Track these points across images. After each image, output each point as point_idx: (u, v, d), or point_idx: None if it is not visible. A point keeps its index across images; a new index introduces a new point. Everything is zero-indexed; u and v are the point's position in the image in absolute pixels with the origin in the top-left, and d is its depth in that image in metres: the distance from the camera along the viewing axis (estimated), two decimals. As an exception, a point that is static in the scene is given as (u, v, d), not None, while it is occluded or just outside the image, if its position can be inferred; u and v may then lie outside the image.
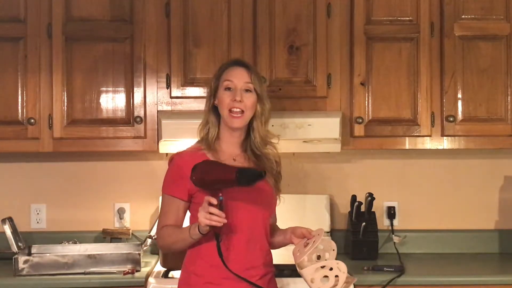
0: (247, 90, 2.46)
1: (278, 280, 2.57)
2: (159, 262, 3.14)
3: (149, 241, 3.36)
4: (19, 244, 3.33)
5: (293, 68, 3.26)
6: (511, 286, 2.99)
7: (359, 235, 3.35)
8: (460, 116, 3.28)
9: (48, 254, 3.10)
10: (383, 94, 3.28)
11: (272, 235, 2.53)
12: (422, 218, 3.61)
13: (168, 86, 3.25)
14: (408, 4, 3.28)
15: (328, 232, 3.47)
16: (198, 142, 2.52)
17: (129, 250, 3.18)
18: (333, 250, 2.37)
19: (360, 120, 3.26)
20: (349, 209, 3.49)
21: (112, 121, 3.26)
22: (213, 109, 2.50)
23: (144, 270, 3.08)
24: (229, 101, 2.44)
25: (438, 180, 3.63)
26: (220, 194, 2.24)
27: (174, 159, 2.46)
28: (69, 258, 3.05)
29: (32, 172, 3.58)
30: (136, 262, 3.07)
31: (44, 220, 3.57)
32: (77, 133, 3.24)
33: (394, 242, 3.50)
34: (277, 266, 2.56)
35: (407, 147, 3.31)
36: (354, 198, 3.46)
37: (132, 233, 3.51)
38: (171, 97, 3.26)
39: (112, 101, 3.25)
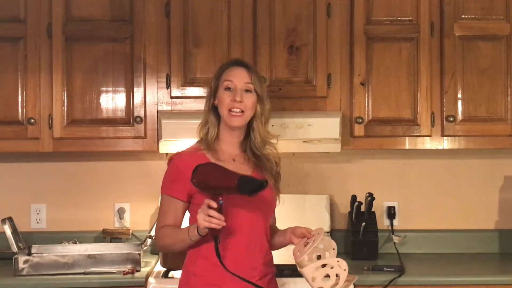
0: (247, 90, 2.46)
1: (278, 280, 2.57)
2: (159, 262, 3.14)
3: (149, 241, 3.36)
4: (19, 244, 3.33)
5: (293, 68, 3.26)
6: (511, 286, 2.99)
7: (359, 235, 3.35)
8: (460, 116, 3.28)
9: (48, 254, 3.10)
10: (383, 94, 3.28)
11: (272, 236, 2.53)
12: (422, 218, 3.61)
13: (168, 86, 3.25)
14: (408, 4, 3.28)
15: (328, 232, 3.47)
16: (198, 142, 2.52)
17: (129, 250, 3.18)
18: (333, 249, 2.37)
19: (360, 120, 3.26)
20: (349, 209, 3.49)
21: (112, 121, 3.26)
22: (213, 109, 2.50)
23: (144, 270, 3.08)
24: (229, 101, 2.44)
25: (438, 180, 3.63)
26: (220, 198, 2.24)
27: (173, 160, 2.46)
28: (69, 258, 3.05)
29: (32, 172, 3.58)
30: (136, 262, 3.07)
31: (44, 220, 3.57)
32: (77, 133, 3.24)
33: (394, 242, 3.50)
34: (277, 266, 2.56)
35: (407, 147, 3.31)
36: (354, 198, 3.46)
37: (132, 233, 3.51)
38: (171, 97, 3.26)
39: (112, 101, 3.25)
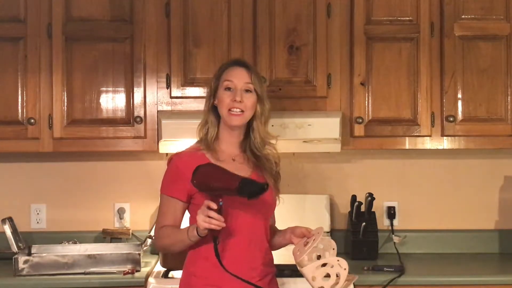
0: (247, 90, 2.46)
1: (278, 280, 2.57)
2: (159, 262, 3.14)
3: (149, 241, 3.36)
4: (19, 244, 3.33)
5: (293, 68, 3.26)
6: (511, 286, 2.99)
7: (359, 235, 3.36)
8: (460, 116, 3.28)
9: (48, 254, 3.10)
10: (383, 94, 3.28)
11: (271, 236, 2.53)
12: (422, 218, 3.61)
13: (168, 86, 3.25)
14: (408, 4, 3.28)
15: (328, 232, 3.47)
16: (198, 142, 2.52)
17: (129, 250, 3.18)
18: (333, 249, 2.36)
19: (360, 120, 3.26)
20: (349, 209, 3.49)
21: (112, 121, 3.26)
22: (213, 109, 2.50)
23: (144, 270, 3.08)
24: (229, 101, 2.44)
25: (438, 180, 3.63)
26: (220, 200, 2.24)
27: (173, 160, 2.46)
28: (69, 258, 3.05)
29: (32, 172, 3.58)
30: (136, 262, 3.07)
31: (44, 220, 3.57)
32: (77, 133, 3.24)
33: (394, 242, 3.50)
34: (277, 266, 2.55)
35: (407, 147, 3.31)
36: (354, 198, 3.46)
37: (132, 233, 3.51)
38: (171, 97, 3.26)
39: (112, 101, 3.25)
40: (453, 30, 3.27)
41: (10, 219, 3.37)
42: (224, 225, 2.23)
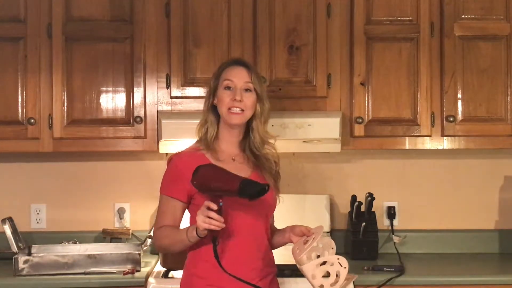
0: (247, 90, 2.46)
1: (279, 280, 2.57)
2: (159, 262, 3.14)
3: (149, 241, 3.36)
4: (19, 244, 3.33)
5: (293, 68, 3.26)
6: (511, 286, 2.99)
7: (359, 235, 3.36)
8: (460, 116, 3.28)
9: (48, 254, 3.10)
10: (383, 94, 3.28)
11: (270, 236, 2.52)
12: (422, 218, 3.61)
13: (168, 86, 3.25)
14: (408, 4, 3.28)
15: (328, 232, 3.47)
16: (197, 142, 2.51)
17: (129, 250, 3.18)
18: (332, 248, 2.36)
19: (360, 120, 3.26)
20: (349, 209, 3.49)
21: (112, 121, 3.26)
22: (212, 109, 2.50)
23: (144, 270, 3.08)
24: (229, 101, 2.44)
25: (438, 180, 3.63)
26: (221, 200, 2.23)
27: (173, 160, 2.46)
28: (69, 258, 3.05)
29: (32, 172, 3.58)
30: (136, 262, 3.07)
31: (44, 220, 3.57)
32: (77, 133, 3.24)
33: (394, 242, 3.50)
34: (277, 266, 2.55)
35: (407, 147, 3.31)
36: (354, 198, 3.46)
37: (132, 233, 3.51)
38: (171, 97, 3.26)
39: (112, 101, 3.25)
40: (453, 30, 3.27)
41: (10, 219, 3.37)
42: (224, 225, 2.22)
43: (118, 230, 3.50)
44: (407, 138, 3.29)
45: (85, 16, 3.25)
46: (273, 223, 2.62)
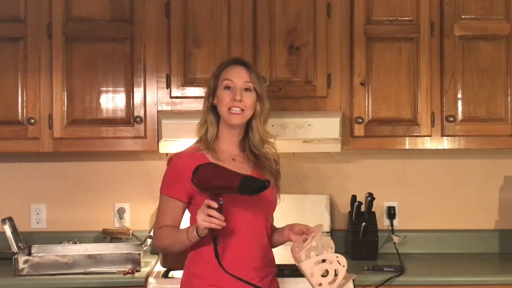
0: (246, 89, 2.46)
1: (278, 280, 2.56)
2: (159, 262, 3.14)
3: (149, 241, 3.36)
4: (19, 244, 3.33)
5: (293, 68, 3.26)
6: (511, 286, 2.99)
7: (359, 235, 3.35)
8: (460, 116, 3.28)
9: (48, 254, 3.10)
10: (383, 94, 3.28)
11: (270, 234, 2.53)
12: (422, 218, 3.61)
13: (168, 86, 3.25)
14: (408, 4, 3.28)
15: (328, 232, 3.47)
16: (197, 142, 2.51)
17: (129, 250, 3.18)
18: (331, 248, 2.36)
19: (360, 120, 3.26)
20: (349, 209, 3.49)
21: (112, 121, 3.26)
22: (212, 109, 2.49)
23: (144, 270, 3.08)
24: (229, 100, 2.43)
25: (438, 180, 3.63)
26: (221, 198, 2.23)
27: (173, 160, 2.45)
28: (69, 258, 3.05)
29: (32, 172, 3.58)
30: (136, 262, 3.07)
31: (44, 220, 3.57)
32: (77, 133, 3.24)
33: (394, 242, 3.50)
34: (277, 266, 2.55)
35: (407, 147, 3.31)
36: (354, 198, 3.46)
37: (132, 233, 3.51)
38: (171, 97, 3.26)
39: (112, 101, 3.25)
40: (453, 30, 3.27)
41: (10, 219, 3.37)
42: (224, 224, 2.22)
43: (118, 230, 3.50)
44: (407, 138, 3.29)
45: (85, 16, 3.25)
46: (273, 222, 2.61)
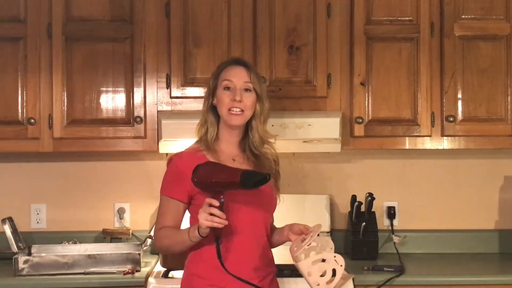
0: (246, 90, 2.46)
1: (278, 280, 2.57)
2: (159, 262, 3.14)
3: (149, 241, 3.36)
4: (19, 244, 3.33)
5: (293, 68, 3.26)
6: (511, 286, 2.99)
7: (359, 235, 3.35)
8: (460, 116, 3.28)
9: (48, 254, 3.10)
10: (383, 94, 3.28)
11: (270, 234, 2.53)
12: (422, 218, 3.61)
13: (168, 86, 3.25)
14: (408, 4, 3.28)
15: (328, 232, 3.47)
16: (197, 142, 2.51)
17: (129, 250, 3.18)
18: (331, 248, 2.36)
19: (360, 120, 3.26)
20: (349, 209, 3.49)
21: (112, 121, 3.26)
22: (212, 109, 2.49)
23: (144, 270, 3.08)
24: (229, 101, 2.43)
25: (438, 180, 3.63)
26: (222, 196, 2.23)
27: (173, 160, 2.45)
28: (69, 258, 3.05)
29: (32, 172, 3.58)
30: (136, 262, 3.07)
31: (44, 220, 3.57)
32: (77, 133, 3.24)
33: (394, 242, 3.50)
34: (277, 266, 2.55)
35: (407, 147, 3.31)
36: (354, 198, 3.46)
37: (132, 233, 3.51)
38: (171, 97, 3.26)
39: (112, 101, 3.25)
40: (453, 30, 3.27)
41: (10, 219, 3.37)
42: (226, 222, 2.22)
43: (118, 230, 3.50)
44: (407, 138, 3.29)
45: (85, 16, 3.25)
46: (273, 222, 2.61)
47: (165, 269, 3.07)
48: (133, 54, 3.25)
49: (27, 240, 3.43)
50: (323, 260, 2.27)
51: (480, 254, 3.54)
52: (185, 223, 2.45)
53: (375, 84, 3.28)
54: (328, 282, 2.26)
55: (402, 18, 3.29)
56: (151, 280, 2.93)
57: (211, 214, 2.20)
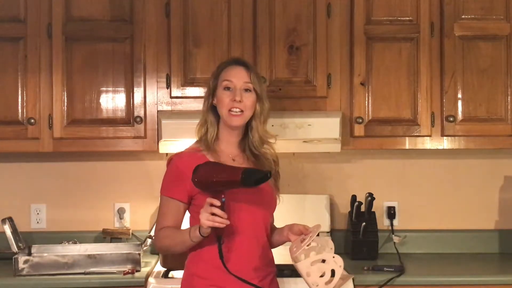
0: (246, 90, 2.45)
1: (278, 280, 2.57)
2: (159, 262, 3.14)
3: (149, 241, 3.36)
4: (19, 244, 3.33)
5: (293, 68, 3.26)
6: (511, 286, 2.99)
7: (359, 235, 3.35)
8: (460, 116, 3.28)
9: (48, 254, 3.10)
10: (383, 94, 3.28)
11: (270, 234, 2.52)
12: (422, 218, 3.61)
13: (168, 86, 3.25)
14: (408, 4, 3.28)
15: (328, 232, 3.47)
16: (197, 142, 2.51)
17: (129, 250, 3.18)
18: (331, 248, 2.36)
19: (360, 120, 3.26)
20: (349, 209, 3.49)
21: (112, 121, 3.25)
22: (212, 109, 2.49)
23: (144, 270, 3.08)
24: (229, 101, 2.43)
25: (438, 180, 3.63)
26: (223, 196, 2.23)
27: (173, 161, 2.45)
28: (69, 258, 3.05)
29: (32, 172, 3.58)
30: (136, 262, 3.07)
31: (44, 220, 3.57)
32: (77, 133, 3.24)
33: (394, 242, 3.50)
34: (277, 266, 2.55)
35: (407, 147, 3.31)
36: (354, 198, 3.46)
37: (132, 233, 3.51)
38: (171, 97, 3.26)
39: (112, 101, 3.25)
40: (453, 30, 3.27)
41: (10, 219, 3.37)
42: (228, 222, 2.22)
43: (118, 230, 3.50)
44: (407, 138, 3.29)
45: (85, 16, 3.25)
46: (273, 222, 2.61)
47: (165, 269, 3.07)
48: (133, 54, 3.25)
49: (27, 240, 3.43)
50: (323, 261, 2.27)
51: (480, 254, 3.54)
52: (185, 224, 2.45)
53: (375, 84, 3.28)
54: (327, 283, 2.26)
55: (402, 18, 3.29)
56: (151, 280, 2.93)
57: (213, 214, 2.20)
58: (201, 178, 2.26)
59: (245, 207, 2.37)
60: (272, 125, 2.76)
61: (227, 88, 2.45)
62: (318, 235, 2.34)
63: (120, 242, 3.41)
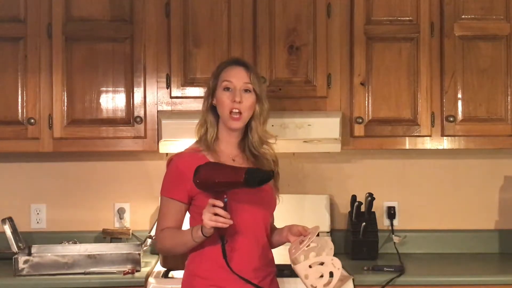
0: (246, 90, 2.45)
1: (278, 280, 2.56)
2: (159, 262, 3.14)
3: (149, 241, 3.36)
4: (19, 244, 3.33)
5: (293, 68, 3.26)
6: (511, 286, 2.99)
7: (359, 235, 3.35)
8: (460, 116, 3.28)
9: (48, 254, 3.10)
10: (383, 94, 3.28)
11: (270, 234, 2.52)
12: (422, 218, 3.61)
13: (168, 86, 3.25)
14: (408, 4, 3.28)
15: (328, 232, 3.47)
16: (197, 142, 2.50)
17: (129, 250, 3.18)
18: (330, 249, 2.35)
19: (360, 120, 3.26)
20: (349, 209, 3.49)
21: (112, 121, 3.25)
22: (211, 109, 2.49)
23: (144, 270, 3.08)
24: (229, 102, 2.42)
25: (438, 180, 3.63)
26: (225, 196, 2.23)
27: (173, 161, 2.44)
28: (69, 258, 3.05)
29: (32, 172, 3.58)
30: (136, 262, 3.07)
31: (44, 220, 3.57)
32: (77, 133, 3.24)
33: (394, 242, 3.50)
34: (277, 266, 2.55)
35: (407, 147, 3.31)
36: (354, 198, 3.46)
37: (132, 233, 3.51)
38: (171, 97, 3.26)
39: (112, 101, 3.25)
40: (453, 30, 3.27)
41: (10, 219, 3.37)
42: (231, 222, 2.22)
43: (118, 230, 3.50)
44: (407, 138, 3.29)
45: (85, 16, 3.25)
46: (273, 222, 2.61)
47: (165, 269, 3.07)
48: (133, 54, 3.25)
49: (27, 240, 3.43)
50: (321, 263, 2.27)
51: (480, 254, 3.54)
52: (185, 224, 2.45)
53: (375, 84, 3.28)
54: (326, 285, 2.25)
55: (402, 18, 3.29)
56: (151, 280, 2.93)
57: (215, 214, 2.20)
58: (203, 179, 2.25)
59: (245, 207, 2.37)
60: (272, 125, 2.76)
61: (227, 89, 2.45)
62: (318, 235, 2.34)
63: (120, 242, 3.41)
